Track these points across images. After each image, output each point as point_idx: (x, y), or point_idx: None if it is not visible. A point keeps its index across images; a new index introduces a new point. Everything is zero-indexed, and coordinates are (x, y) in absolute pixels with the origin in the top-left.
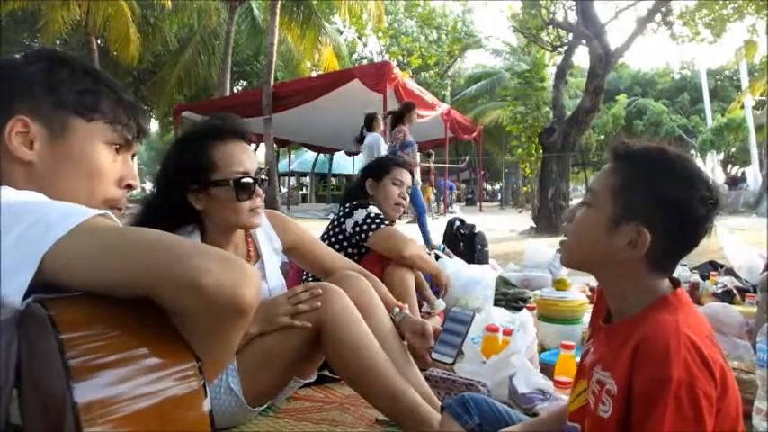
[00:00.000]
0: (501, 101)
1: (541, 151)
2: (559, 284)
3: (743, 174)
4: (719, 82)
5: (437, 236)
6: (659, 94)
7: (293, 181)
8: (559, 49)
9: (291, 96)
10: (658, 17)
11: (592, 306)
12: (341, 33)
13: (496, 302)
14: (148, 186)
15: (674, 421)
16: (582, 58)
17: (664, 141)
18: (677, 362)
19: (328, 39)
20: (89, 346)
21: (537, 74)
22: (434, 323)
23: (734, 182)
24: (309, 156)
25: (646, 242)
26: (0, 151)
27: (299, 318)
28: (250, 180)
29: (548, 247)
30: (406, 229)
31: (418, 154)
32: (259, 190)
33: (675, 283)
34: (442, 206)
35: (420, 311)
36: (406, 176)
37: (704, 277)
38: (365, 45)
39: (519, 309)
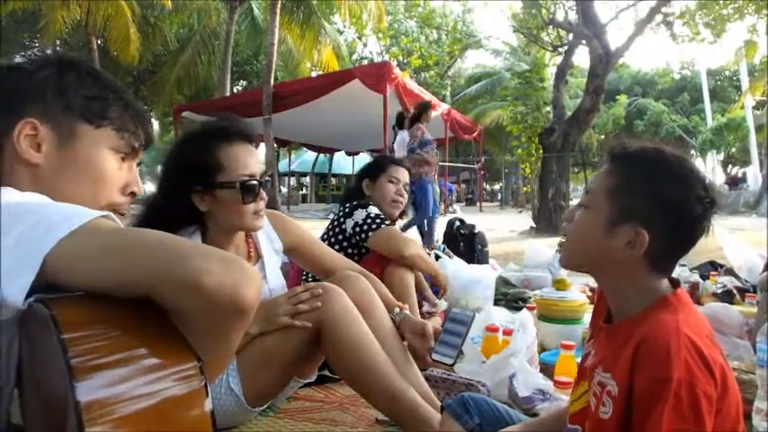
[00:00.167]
0: (501, 101)
1: (541, 151)
2: (559, 284)
3: (743, 174)
4: (719, 82)
5: (437, 236)
6: (659, 94)
7: (293, 181)
8: (559, 49)
9: (291, 96)
10: (659, 17)
11: (592, 306)
12: (341, 33)
13: (496, 302)
14: (149, 187)
15: (674, 421)
16: (582, 58)
17: (664, 141)
18: (677, 362)
19: (328, 39)
20: (91, 345)
21: (537, 74)
22: (434, 323)
23: (734, 182)
24: (309, 156)
25: (644, 242)
26: (7, 152)
27: (300, 318)
28: (256, 183)
29: (548, 247)
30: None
31: None
32: (263, 193)
33: (675, 283)
34: (443, 206)
35: (420, 311)
36: (402, 174)
37: (704, 277)
38: (365, 45)
39: (519, 309)
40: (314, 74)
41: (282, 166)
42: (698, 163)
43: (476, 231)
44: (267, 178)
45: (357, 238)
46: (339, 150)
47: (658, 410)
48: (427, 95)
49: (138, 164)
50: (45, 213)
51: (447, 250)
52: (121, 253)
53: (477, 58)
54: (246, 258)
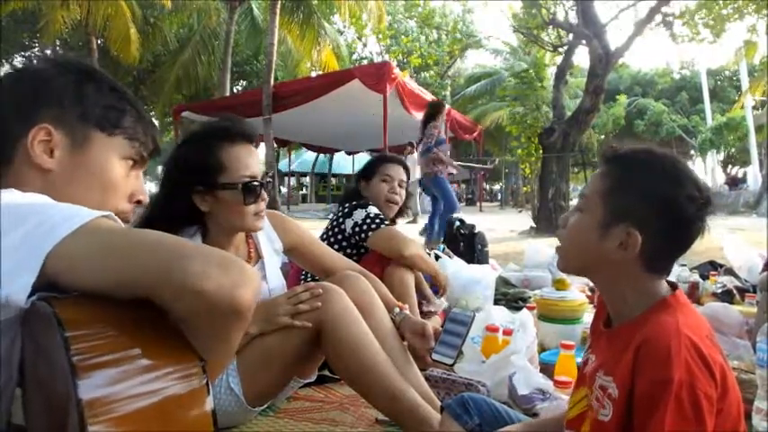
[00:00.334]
0: (501, 101)
1: (541, 151)
2: (559, 284)
3: (743, 174)
4: (719, 82)
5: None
6: (659, 94)
7: (293, 181)
8: (559, 49)
9: (291, 96)
10: (658, 17)
11: (592, 306)
12: (341, 34)
13: (496, 302)
14: (149, 187)
15: (676, 422)
16: (582, 58)
17: (664, 141)
18: (678, 363)
19: (328, 39)
20: (94, 343)
21: (536, 74)
22: (434, 323)
23: (734, 182)
24: (309, 156)
25: (636, 243)
26: (19, 156)
27: (300, 318)
28: (257, 184)
29: (548, 247)
30: (406, 228)
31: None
32: (264, 194)
33: (673, 285)
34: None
35: (420, 310)
36: (395, 171)
37: (704, 277)
38: (365, 45)
39: (519, 309)
40: (314, 74)
41: (282, 166)
42: (698, 163)
43: (476, 231)
44: (268, 179)
45: (357, 238)
46: (339, 150)
47: (660, 412)
48: (427, 96)
49: (145, 172)
50: (48, 214)
51: (447, 250)
52: (121, 253)
53: (476, 58)
54: (246, 258)
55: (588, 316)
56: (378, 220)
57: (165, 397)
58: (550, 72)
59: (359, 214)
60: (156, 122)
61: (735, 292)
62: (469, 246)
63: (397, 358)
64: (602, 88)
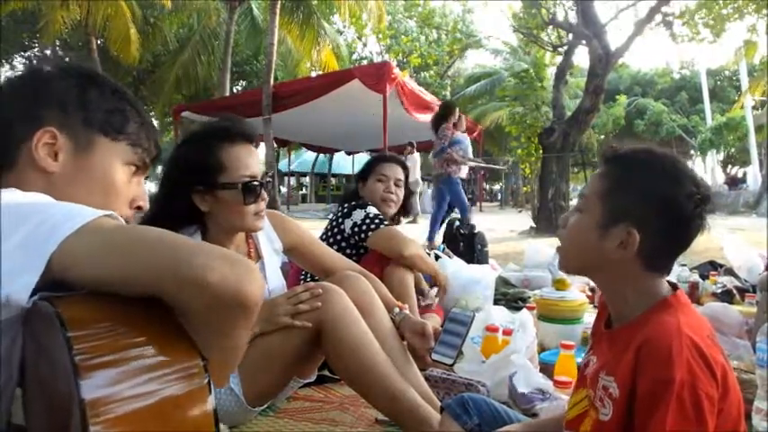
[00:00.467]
0: (500, 101)
1: (541, 151)
2: (559, 284)
3: (743, 174)
4: (719, 82)
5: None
6: (659, 94)
7: (293, 181)
8: (559, 49)
9: (291, 96)
10: (658, 17)
11: (592, 306)
12: (341, 34)
13: (496, 302)
14: (148, 187)
15: (677, 421)
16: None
17: (663, 141)
18: (680, 363)
19: (328, 39)
20: (96, 343)
21: (536, 74)
22: (434, 323)
23: (734, 182)
24: (309, 156)
25: (635, 242)
26: (22, 159)
27: (300, 318)
28: (257, 184)
29: (548, 247)
30: (406, 228)
31: (417, 154)
32: (264, 193)
33: (674, 286)
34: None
35: (417, 304)
36: (391, 170)
37: (704, 277)
38: (365, 45)
39: (519, 309)
40: (313, 74)
41: (282, 166)
42: (698, 163)
43: (476, 231)
44: (268, 179)
45: (356, 238)
46: (339, 150)
47: (661, 412)
48: (427, 96)
49: (146, 178)
50: (50, 213)
51: (447, 250)
52: (124, 250)
53: (476, 58)
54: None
55: (588, 316)
56: (377, 221)
57: (166, 397)
58: (550, 72)
59: (358, 214)
60: (156, 122)
61: (734, 292)
62: (469, 246)
63: (396, 358)
64: (601, 88)
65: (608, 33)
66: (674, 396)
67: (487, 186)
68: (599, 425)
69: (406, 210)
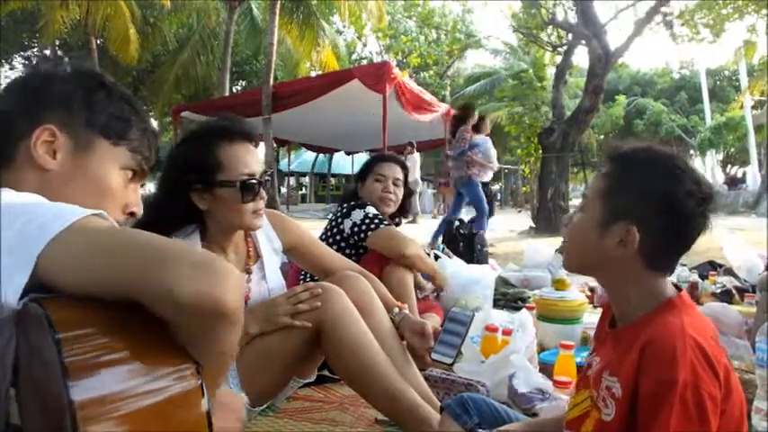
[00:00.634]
0: (500, 101)
1: (541, 151)
2: (559, 284)
3: (743, 174)
4: (719, 82)
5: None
6: (658, 94)
7: (293, 181)
8: (559, 49)
9: (291, 96)
10: (658, 17)
11: (591, 306)
12: (340, 34)
13: (496, 302)
14: (147, 186)
15: (680, 422)
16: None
17: (663, 141)
18: (683, 364)
19: (327, 39)
20: (86, 345)
21: (536, 74)
22: (434, 323)
23: (733, 182)
24: (309, 156)
25: (635, 240)
26: (21, 156)
27: (299, 318)
28: (255, 182)
29: (547, 247)
30: (405, 228)
31: (417, 154)
32: (263, 192)
33: (677, 287)
34: (443, 207)
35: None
36: (390, 170)
37: (703, 277)
38: (365, 45)
39: (518, 309)
40: (313, 74)
41: (282, 166)
42: (697, 163)
43: (475, 231)
44: (267, 177)
45: (355, 238)
46: (338, 150)
47: (664, 412)
48: (427, 95)
49: (142, 185)
50: (38, 213)
51: (446, 250)
52: (105, 254)
53: (476, 58)
54: (246, 258)
55: (588, 316)
56: (376, 221)
57: (159, 398)
58: (550, 72)
59: (357, 215)
60: (156, 122)
61: (734, 292)
62: (469, 246)
63: (396, 358)
64: (601, 88)
65: (607, 33)
66: (678, 397)
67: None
68: (601, 425)
69: (405, 209)
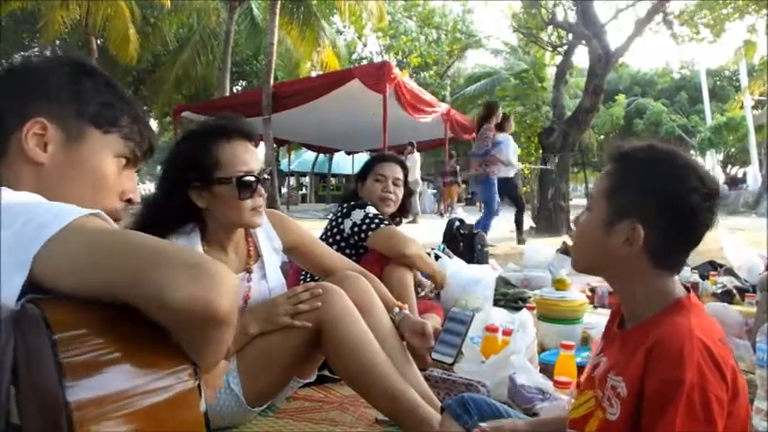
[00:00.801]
0: (500, 101)
1: (541, 151)
2: (559, 284)
3: (743, 174)
4: (719, 82)
5: (437, 236)
6: (659, 94)
7: (293, 181)
8: (559, 49)
9: (291, 96)
10: (658, 17)
11: (591, 306)
12: (340, 34)
13: (496, 302)
14: (147, 186)
15: (686, 423)
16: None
17: (663, 141)
18: (690, 365)
19: (327, 39)
20: (83, 346)
21: (536, 74)
22: (434, 323)
23: (733, 182)
24: (309, 156)
25: (640, 238)
26: (12, 150)
27: (299, 318)
28: (252, 179)
29: (547, 247)
30: (406, 228)
31: (418, 154)
32: (261, 189)
33: (687, 288)
34: (443, 206)
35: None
36: (390, 170)
37: (704, 277)
38: (365, 45)
39: (519, 309)
40: (313, 74)
41: (282, 166)
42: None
43: (475, 231)
44: (266, 175)
45: (356, 238)
46: (339, 150)
47: (670, 413)
48: (427, 95)
49: (138, 171)
50: (37, 213)
51: (447, 250)
52: (102, 252)
53: (476, 58)
54: (246, 257)
55: (588, 316)
56: (377, 220)
57: (157, 398)
58: (550, 72)
59: (357, 215)
60: (156, 122)
61: (734, 292)
62: (469, 246)
63: (396, 358)
64: (601, 88)
65: (608, 33)
66: (684, 397)
67: None
68: (606, 424)
69: (405, 209)
